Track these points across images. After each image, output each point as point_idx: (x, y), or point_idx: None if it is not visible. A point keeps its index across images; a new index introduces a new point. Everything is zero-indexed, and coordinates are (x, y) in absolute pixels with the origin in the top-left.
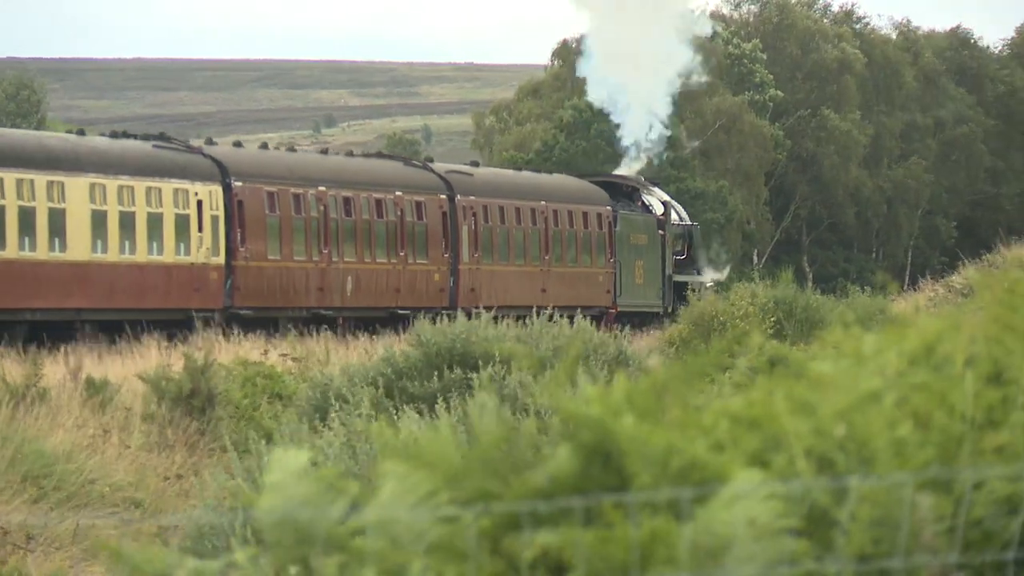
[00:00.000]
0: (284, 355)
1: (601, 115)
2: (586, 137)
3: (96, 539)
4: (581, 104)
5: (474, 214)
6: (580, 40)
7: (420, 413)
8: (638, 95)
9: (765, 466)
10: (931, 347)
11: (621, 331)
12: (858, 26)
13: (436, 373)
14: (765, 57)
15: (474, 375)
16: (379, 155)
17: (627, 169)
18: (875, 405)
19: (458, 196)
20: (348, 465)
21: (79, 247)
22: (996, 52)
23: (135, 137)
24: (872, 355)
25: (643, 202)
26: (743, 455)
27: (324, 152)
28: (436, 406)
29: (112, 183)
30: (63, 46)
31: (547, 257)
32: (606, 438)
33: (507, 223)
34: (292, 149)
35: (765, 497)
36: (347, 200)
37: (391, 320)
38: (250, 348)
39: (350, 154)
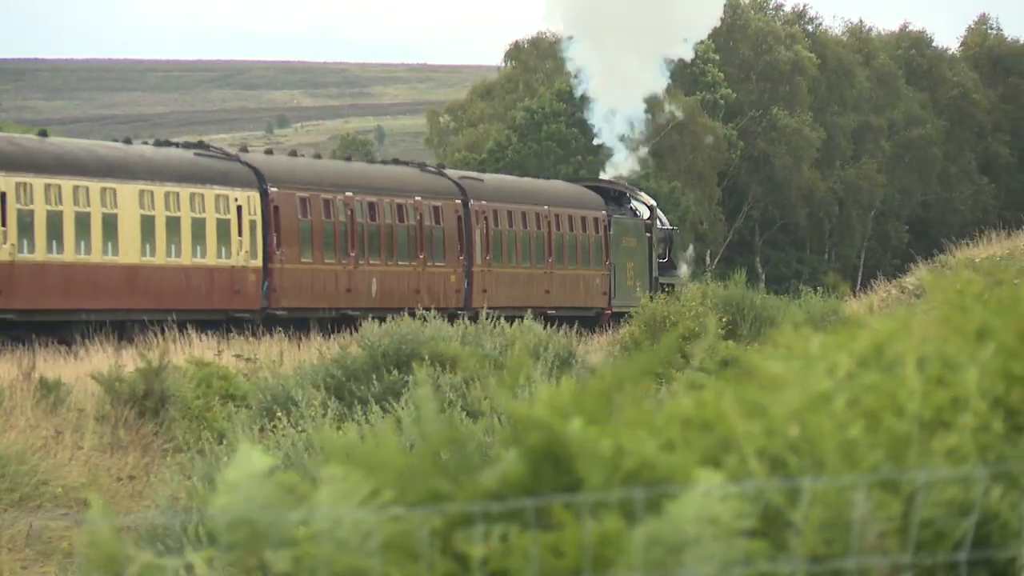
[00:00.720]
0: (237, 356)
1: (554, 116)
2: (538, 139)
3: (52, 540)
4: (533, 105)
5: (485, 218)
6: (553, 43)
7: (366, 416)
8: (620, 102)
9: (717, 467)
10: (881, 348)
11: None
12: (810, 27)
13: (378, 375)
14: (718, 58)
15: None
16: (395, 162)
17: (612, 172)
18: (826, 406)
19: (471, 201)
20: (297, 467)
21: (130, 251)
22: (949, 52)
23: (177, 145)
24: (822, 356)
25: (630, 206)
26: (695, 456)
27: (348, 159)
28: (380, 407)
29: (159, 189)
30: (15, 47)
31: (550, 260)
32: (555, 441)
33: (514, 227)
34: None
35: (721, 497)
36: (371, 205)
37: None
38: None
39: (371, 161)
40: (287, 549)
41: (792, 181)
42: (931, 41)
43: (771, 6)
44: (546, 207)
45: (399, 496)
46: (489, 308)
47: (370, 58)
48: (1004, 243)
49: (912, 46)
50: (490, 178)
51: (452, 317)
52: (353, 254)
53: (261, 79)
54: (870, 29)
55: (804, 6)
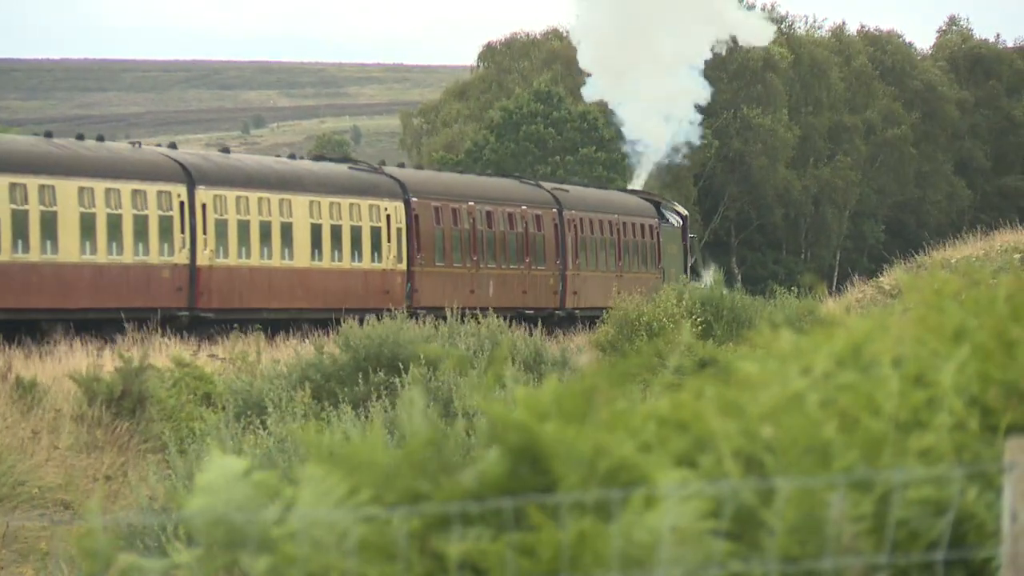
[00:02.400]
0: (212, 356)
1: (531, 117)
2: (516, 139)
3: (29, 540)
4: (510, 106)
5: (575, 226)
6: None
7: (349, 414)
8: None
9: (693, 467)
10: (858, 348)
11: None
12: (783, 25)
13: (362, 376)
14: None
15: (397, 379)
16: (498, 174)
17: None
18: (800, 406)
19: (564, 210)
20: (276, 468)
21: (302, 255)
22: (919, 51)
23: (331, 160)
24: (798, 356)
25: (666, 216)
26: (670, 456)
27: (419, 168)
28: (363, 408)
29: (325, 200)
30: None
31: (620, 264)
32: (532, 443)
33: (595, 234)
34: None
35: (689, 498)
36: (488, 214)
37: (518, 319)
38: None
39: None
40: (265, 550)
41: (768, 181)
42: (898, 39)
43: (743, 4)
44: (616, 215)
45: (379, 496)
46: (577, 308)
47: (346, 58)
48: (980, 244)
49: (872, 43)
50: (575, 189)
51: (549, 317)
52: (475, 258)
53: (237, 79)
54: (844, 25)
55: (775, 5)
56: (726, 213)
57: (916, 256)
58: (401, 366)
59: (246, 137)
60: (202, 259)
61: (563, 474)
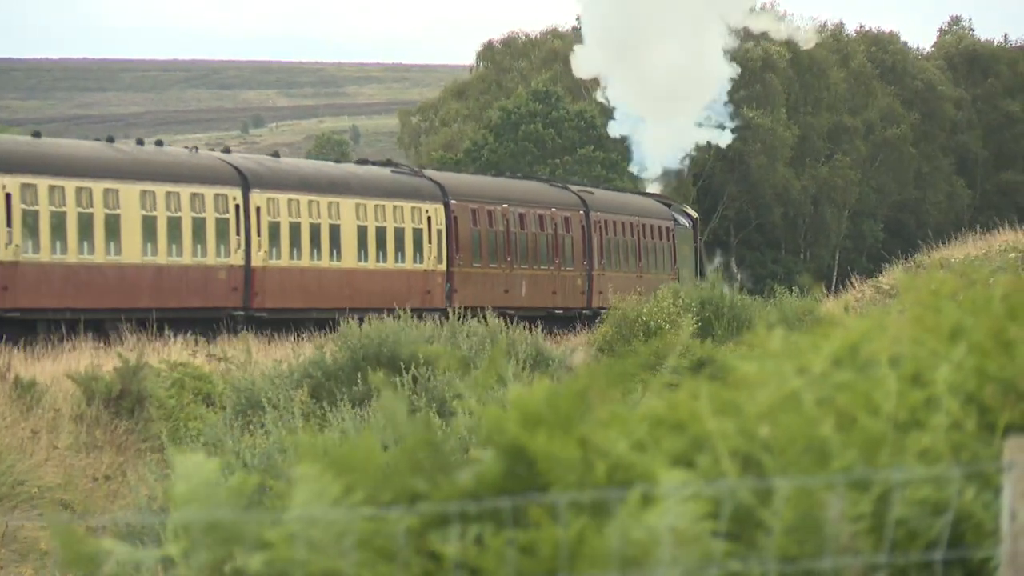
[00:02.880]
0: (211, 356)
1: (530, 117)
2: (514, 139)
3: (28, 540)
4: (509, 106)
5: (601, 227)
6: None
7: (350, 413)
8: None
9: (690, 467)
10: (856, 348)
11: None
12: (782, 25)
13: (361, 375)
14: None
15: (397, 378)
16: (527, 177)
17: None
18: (798, 405)
19: (591, 212)
20: (276, 467)
21: (349, 256)
22: (919, 51)
23: (373, 164)
24: (796, 355)
25: (676, 218)
26: (667, 456)
27: (498, 175)
28: (360, 407)
29: (369, 203)
30: None
31: (640, 264)
32: (522, 451)
33: (618, 235)
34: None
35: (688, 498)
36: (521, 216)
37: (548, 319)
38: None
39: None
40: (260, 550)
41: (767, 180)
42: (898, 39)
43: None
44: (636, 217)
45: (375, 496)
46: (602, 308)
47: (345, 58)
48: (979, 243)
49: (874, 43)
50: (597, 192)
51: (576, 316)
52: (509, 259)
53: (236, 79)
54: (842, 26)
55: (774, 4)
56: (725, 213)
57: (915, 256)
58: (402, 365)
59: (245, 137)
60: (256, 260)
61: (553, 480)
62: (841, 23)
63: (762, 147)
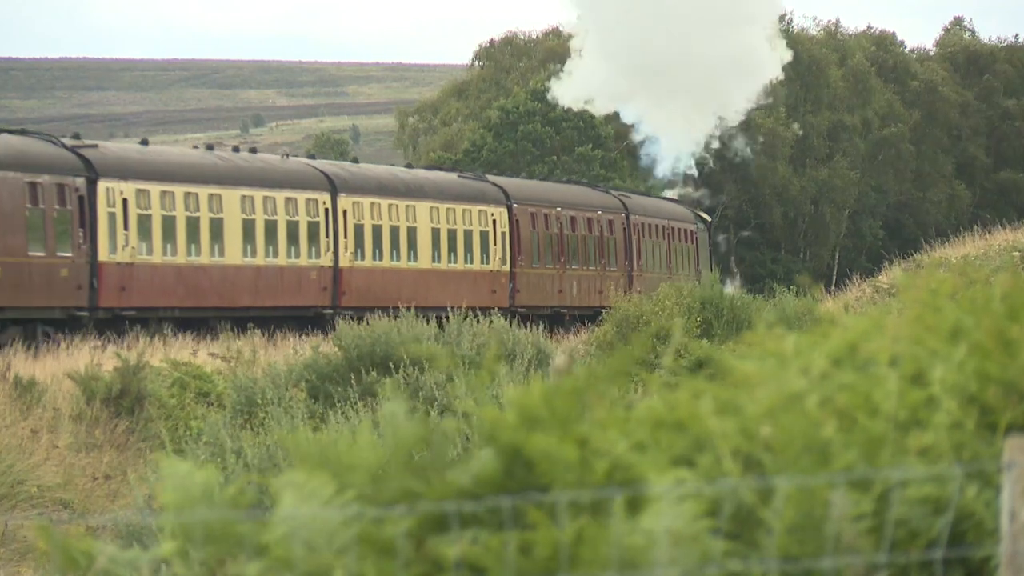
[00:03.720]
0: (213, 354)
1: (528, 116)
2: (513, 139)
3: (30, 538)
4: (508, 105)
5: (639, 230)
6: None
7: (345, 415)
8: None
9: (691, 466)
10: (855, 347)
11: None
12: (782, 25)
13: (357, 376)
14: None
15: (389, 379)
16: (570, 181)
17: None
18: (798, 405)
19: (631, 215)
20: (278, 466)
21: (424, 257)
22: (920, 51)
23: (441, 169)
24: (796, 355)
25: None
26: (667, 456)
27: (544, 179)
28: (355, 408)
29: (442, 207)
30: None
31: (671, 265)
32: (519, 452)
33: (653, 238)
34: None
35: (684, 498)
36: (572, 219)
37: (595, 317)
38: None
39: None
40: (256, 553)
41: (767, 180)
42: (900, 41)
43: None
44: (667, 220)
45: (372, 496)
46: None
47: (345, 57)
48: (979, 243)
49: (875, 43)
50: (634, 196)
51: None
52: (562, 260)
53: (236, 78)
54: (844, 30)
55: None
56: (724, 212)
57: (915, 255)
58: (392, 366)
59: (245, 136)
60: (343, 261)
61: (551, 480)
62: (838, 21)
63: (762, 147)
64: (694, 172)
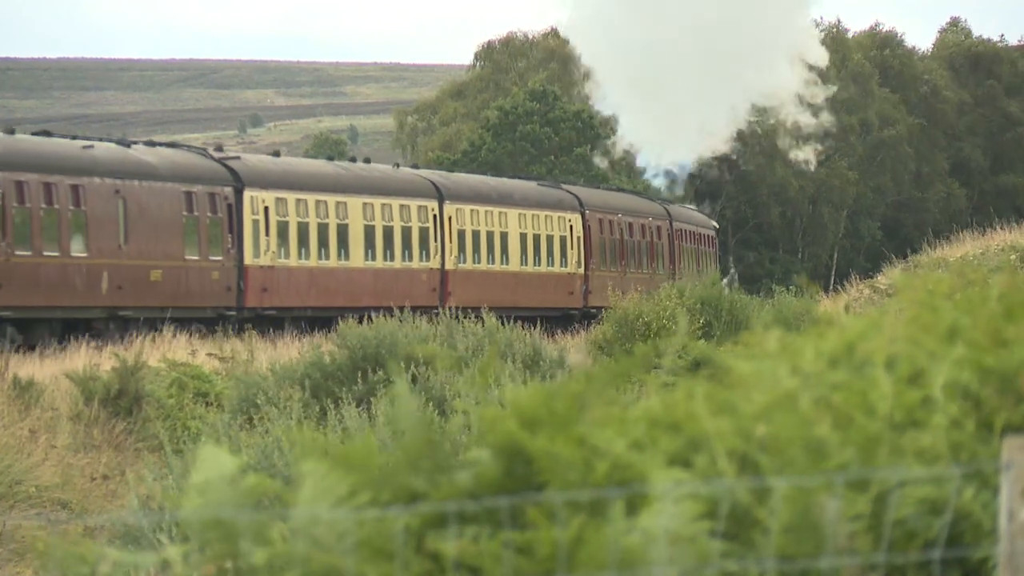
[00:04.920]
0: (211, 354)
1: (527, 116)
2: (512, 139)
3: (27, 540)
4: (507, 105)
5: (679, 235)
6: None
7: (341, 417)
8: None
9: (687, 467)
10: (851, 347)
11: None
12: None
13: (362, 375)
14: None
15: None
16: (619, 189)
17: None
18: (794, 405)
19: (674, 221)
20: (274, 466)
21: (515, 260)
22: (920, 52)
23: (521, 178)
24: (792, 355)
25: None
26: (664, 456)
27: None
28: (358, 407)
29: (528, 213)
30: None
31: (700, 268)
32: (522, 449)
33: (687, 243)
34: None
35: (683, 498)
36: (629, 224)
37: None
38: None
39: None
40: (262, 549)
41: (765, 180)
42: (902, 41)
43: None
44: (695, 227)
45: (375, 495)
46: None
47: (343, 57)
48: (977, 243)
49: (883, 45)
50: (675, 205)
51: None
52: (623, 263)
53: (234, 78)
54: (846, 30)
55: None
56: (723, 212)
57: (913, 255)
58: (402, 365)
59: (243, 136)
60: (449, 264)
61: (551, 480)
62: (838, 21)
63: (761, 148)
64: (680, 173)
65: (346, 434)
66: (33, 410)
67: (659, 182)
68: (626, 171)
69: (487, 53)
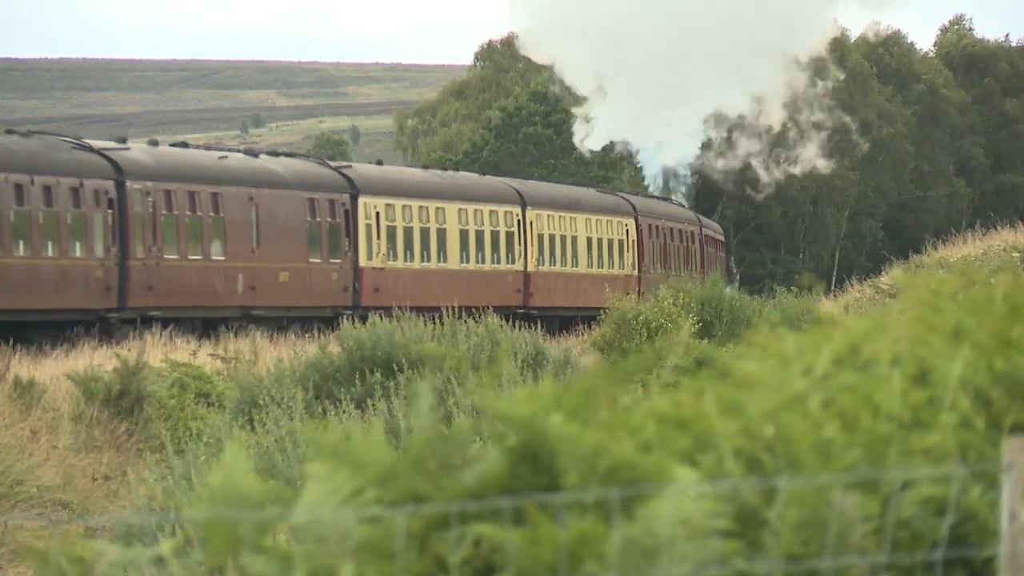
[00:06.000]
0: (213, 355)
1: (529, 118)
2: (515, 140)
3: (23, 540)
4: (509, 106)
5: (707, 241)
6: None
7: (340, 417)
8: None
9: (694, 466)
10: (856, 347)
11: None
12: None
13: (359, 376)
14: None
15: (391, 381)
16: (659, 198)
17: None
18: (801, 406)
19: (704, 228)
20: (276, 467)
21: (583, 262)
22: (920, 51)
23: (579, 184)
24: (798, 355)
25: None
26: (671, 455)
27: (636, 194)
28: (362, 407)
29: (592, 218)
30: None
31: (708, 272)
32: (535, 438)
33: (710, 248)
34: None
35: (696, 497)
36: (671, 230)
37: None
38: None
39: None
40: (264, 549)
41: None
42: (904, 39)
43: None
44: (714, 232)
45: (379, 495)
46: None
47: (344, 58)
48: (979, 243)
49: (881, 44)
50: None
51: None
52: (667, 266)
53: (235, 79)
54: (847, 30)
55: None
56: (724, 212)
57: (915, 255)
58: (395, 367)
59: (244, 137)
60: (531, 266)
61: (565, 470)
62: (836, 20)
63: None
64: (686, 177)
65: (351, 434)
66: (34, 410)
67: (651, 176)
68: (623, 170)
69: (488, 53)
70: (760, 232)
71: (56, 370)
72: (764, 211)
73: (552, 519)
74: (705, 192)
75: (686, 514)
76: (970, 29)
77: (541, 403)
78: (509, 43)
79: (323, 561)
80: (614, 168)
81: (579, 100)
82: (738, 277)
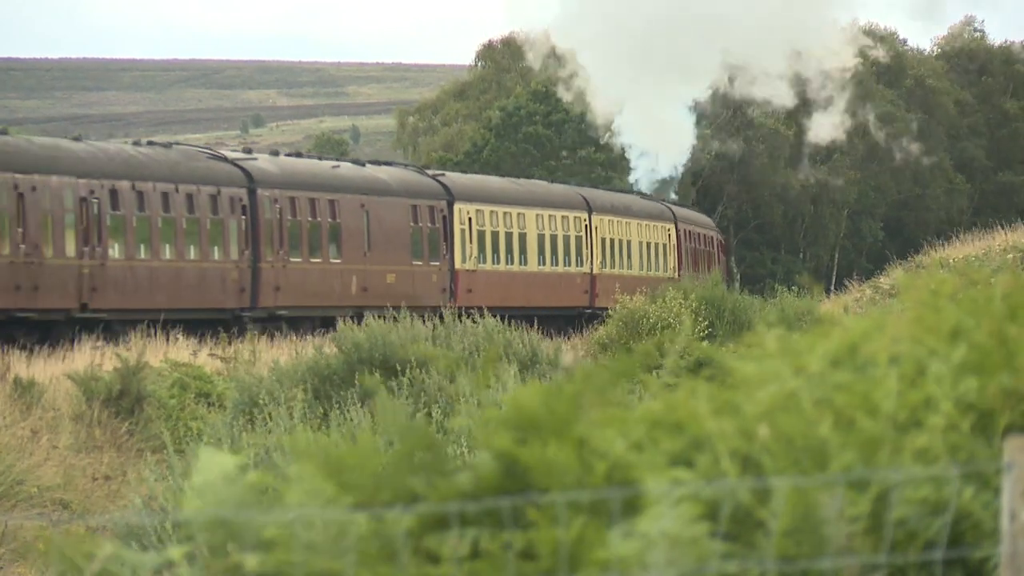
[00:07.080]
0: (213, 355)
1: (529, 118)
2: (515, 140)
3: (28, 540)
4: (510, 106)
5: (722, 243)
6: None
7: (342, 418)
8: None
9: (688, 467)
10: (854, 348)
11: None
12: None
13: (357, 377)
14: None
15: (393, 381)
16: (680, 204)
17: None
18: (796, 406)
19: (718, 235)
20: (276, 466)
21: (636, 264)
22: (923, 52)
23: (622, 192)
24: (794, 355)
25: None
26: (665, 456)
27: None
28: (354, 409)
29: (635, 222)
30: None
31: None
32: (512, 466)
33: (716, 251)
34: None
35: (681, 500)
36: (698, 235)
37: None
38: None
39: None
40: (260, 551)
41: (766, 180)
42: (901, 40)
43: None
44: (707, 231)
45: (374, 496)
46: None
47: (345, 57)
48: (979, 243)
49: (882, 43)
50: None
51: None
52: (697, 268)
53: (236, 78)
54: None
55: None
56: (724, 212)
57: (915, 256)
58: (399, 367)
59: (245, 137)
60: (596, 268)
61: (551, 484)
62: (835, 20)
63: (764, 147)
64: (677, 175)
65: (345, 436)
66: (35, 410)
67: (651, 179)
68: (622, 171)
69: (488, 53)
70: (760, 232)
71: (57, 370)
72: (765, 211)
73: (547, 521)
74: (704, 191)
75: (668, 523)
76: (978, 31)
77: (522, 420)
78: (509, 43)
79: (318, 563)
80: (615, 168)
81: (585, 100)
82: (739, 277)
